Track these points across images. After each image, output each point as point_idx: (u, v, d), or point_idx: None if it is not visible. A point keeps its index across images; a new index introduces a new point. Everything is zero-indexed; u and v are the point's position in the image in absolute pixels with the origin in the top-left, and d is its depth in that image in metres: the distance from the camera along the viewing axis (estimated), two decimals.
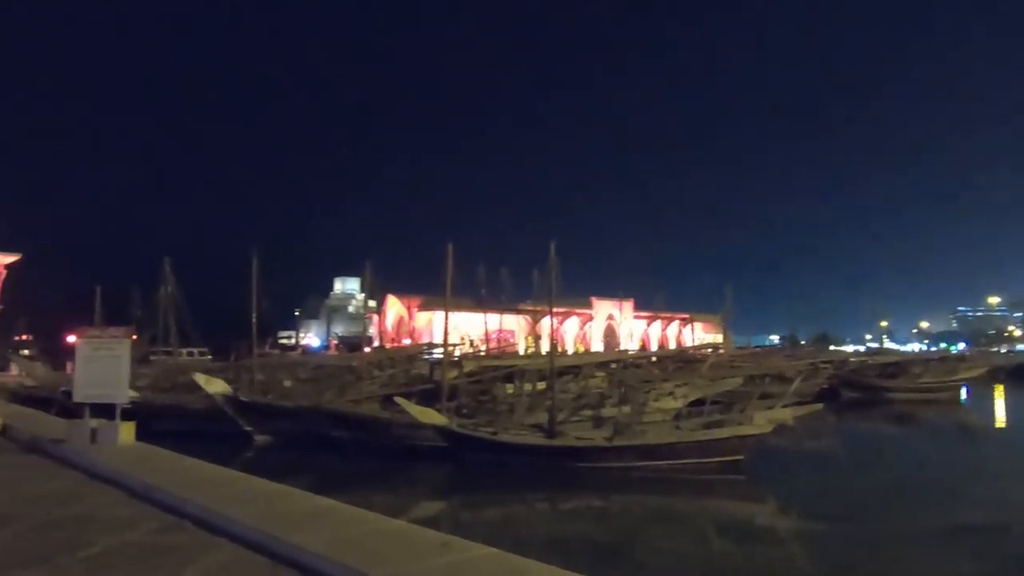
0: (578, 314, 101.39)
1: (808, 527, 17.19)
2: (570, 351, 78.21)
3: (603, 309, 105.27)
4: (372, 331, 69.21)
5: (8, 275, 54.72)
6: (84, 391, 15.34)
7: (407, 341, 78.73)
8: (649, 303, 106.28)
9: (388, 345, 73.79)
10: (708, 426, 23.69)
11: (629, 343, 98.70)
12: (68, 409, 24.19)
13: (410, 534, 7.68)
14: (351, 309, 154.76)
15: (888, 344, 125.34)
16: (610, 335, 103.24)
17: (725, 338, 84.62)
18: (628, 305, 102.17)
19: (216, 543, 7.90)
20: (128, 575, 6.92)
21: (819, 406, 28.02)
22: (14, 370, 50.01)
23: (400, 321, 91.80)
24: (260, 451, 26.71)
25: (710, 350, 54.60)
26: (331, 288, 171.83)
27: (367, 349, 44.57)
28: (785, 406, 25.11)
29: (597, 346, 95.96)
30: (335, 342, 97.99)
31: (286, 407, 28.75)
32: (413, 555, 6.70)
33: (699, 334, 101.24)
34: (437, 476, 23.12)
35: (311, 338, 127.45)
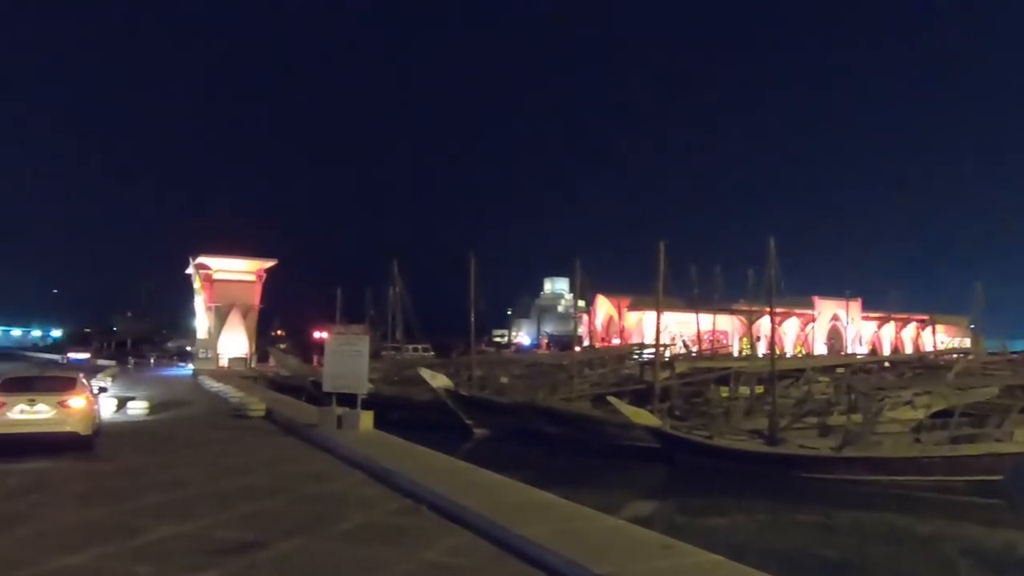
0: (798, 315, 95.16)
1: None
2: (789, 354, 73.75)
3: (827, 309, 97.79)
4: (582, 330, 70.09)
5: (267, 279, 62.61)
6: (332, 382, 17.16)
7: (616, 341, 78.77)
8: (880, 303, 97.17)
9: (598, 345, 74.26)
10: (956, 440, 21.16)
11: (857, 346, 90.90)
12: (315, 397, 27.20)
13: (632, 533, 7.71)
14: (560, 308, 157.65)
15: None
16: (835, 337, 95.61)
17: (975, 342, 75.08)
18: (855, 305, 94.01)
19: (450, 528, 8.47)
20: (377, 551, 7.64)
21: None
22: (271, 361, 57.09)
23: (610, 321, 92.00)
24: (478, 443, 28.11)
25: (957, 355, 48.82)
26: (541, 288, 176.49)
27: (577, 348, 45.24)
28: None
29: (820, 349, 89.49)
30: (545, 341, 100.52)
31: (503, 403, 30.01)
32: (635, 555, 6.71)
33: (941, 337, 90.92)
34: (649, 477, 22.92)
35: (522, 337, 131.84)
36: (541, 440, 26.27)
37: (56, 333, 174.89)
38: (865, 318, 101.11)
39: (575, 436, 26.11)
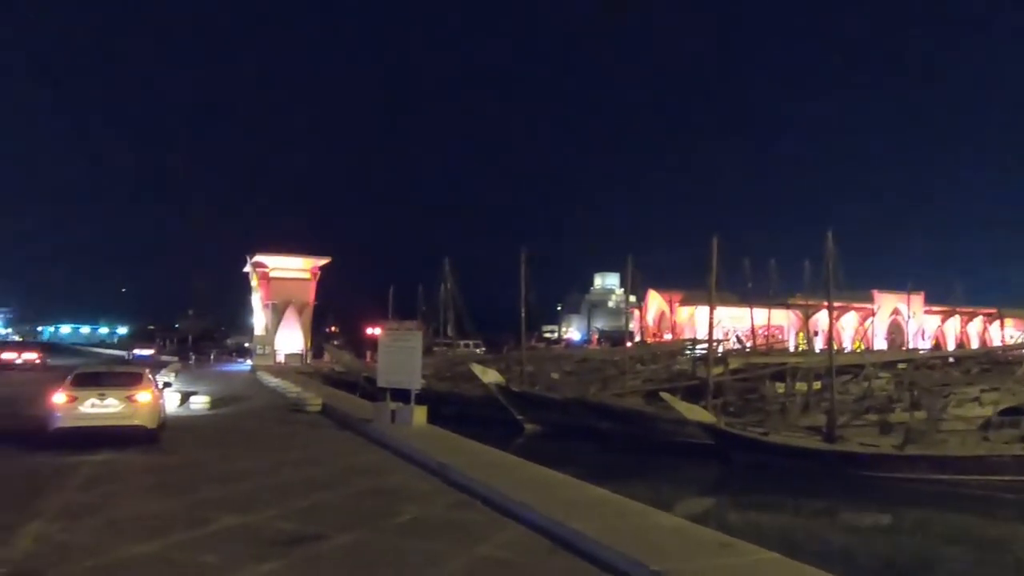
0: (857, 309, 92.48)
1: None
2: (848, 349, 71.90)
3: (887, 303, 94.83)
4: (633, 326, 69.51)
5: (321, 276, 63.82)
6: (386, 377, 17.42)
7: (668, 336, 77.92)
8: (944, 296, 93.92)
9: (649, 340, 73.57)
10: None
11: (919, 341, 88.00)
12: (369, 392, 27.64)
13: (687, 530, 7.64)
14: (611, 304, 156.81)
15: None
16: (895, 332, 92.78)
17: None
18: (917, 299, 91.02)
19: (504, 523, 8.53)
20: (433, 544, 7.74)
21: None
22: (326, 357, 58.18)
23: (661, 316, 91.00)
24: (529, 438, 28.15)
25: None
26: (591, 283, 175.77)
27: (628, 344, 44.94)
28: None
29: (880, 344, 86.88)
30: (596, 336, 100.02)
31: (554, 398, 30.00)
32: (692, 552, 6.66)
33: (1010, 332, 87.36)
34: (703, 474, 22.62)
35: (572, 332, 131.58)
36: (592, 436, 26.18)
37: (122, 330, 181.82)
38: (928, 312, 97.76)
39: (627, 432, 25.94)
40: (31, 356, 52.04)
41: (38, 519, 8.59)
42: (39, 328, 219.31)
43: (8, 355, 52.44)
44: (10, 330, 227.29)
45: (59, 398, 14.56)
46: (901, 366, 34.45)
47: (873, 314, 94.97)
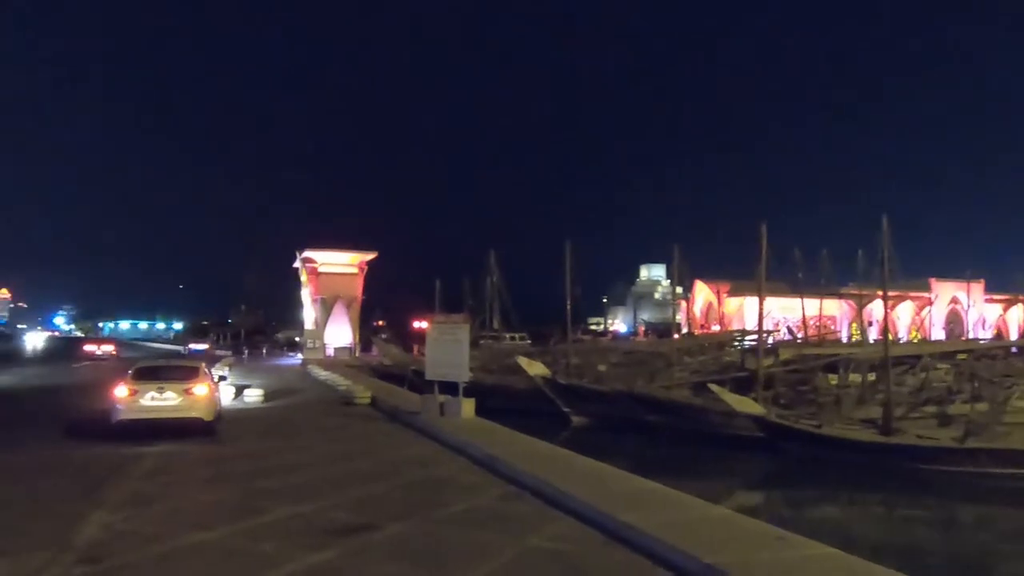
0: (913, 298, 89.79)
1: None
2: (903, 339, 69.90)
3: (945, 292, 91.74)
4: (680, 317, 68.75)
5: (368, 270, 64.64)
6: (434, 370, 17.55)
7: (716, 328, 76.84)
8: (1007, 284, 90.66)
9: (697, 332, 72.69)
10: None
11: (979, 331, 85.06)
12: (417, 385, 27.90)
13: (741, 523, 7.54)
14: (657, 295, 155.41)
15: None
16: (954, 321, 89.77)
17: None
18: (978, 287, 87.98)
19: (553, 515, 8.53)
20: (484, 535, 7.78)
21: None
22: (374, 350, 58.94)
23: (709, 307, 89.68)
24: (576, 431, 28.09)
25: None
26: (637, 275, 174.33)
27: (676, 336, 44.47)
28: None
29: (937, 334, 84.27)
30: (642, 328, 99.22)
31: (601, 390, 29.87)
32: (746, 546, 6.56)
33: None
34: (753, 467, 22.28)
35: (618, 324, 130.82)
36: (640, 429, 26.01)
37: (177, 326, 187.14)
38: (988, 300, 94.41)
39: (675, 424, 25.70)
40: (109, 348, 63.79)
41: (102, 508, 8.91)
42: (99, 324, 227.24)
43: (90, 347, 64.36)
44: (73, 326, 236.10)
45: (121, 392, 15.07)
46: (961, 356, 33.33)
47: (931, 303, 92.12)
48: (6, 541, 7.59)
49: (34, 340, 77.05)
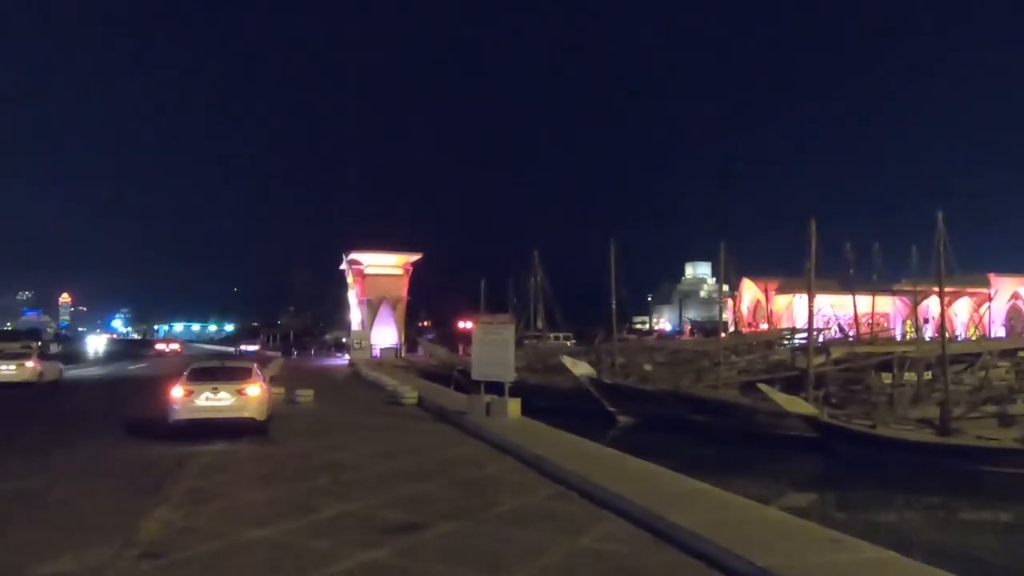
0: (971, 294, 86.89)
1: None
2: (961, 337, 67.76)
3: (1005, 287, 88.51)
4: (727, 316, 67.78)
5: (413, 272, 65.28)
6: (480, 370, 17.65)
7: (764, 326, 75.52)
8: None
9: (744, 330, 71.54)
10: None
11: None
12: (462, 385, 28.07)
13: (794, 525, 7.42)
14: (702, 294, 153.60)
15: None
16: (1015, 318, 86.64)
17: None
18: None
19: (602, 515, 8.52)
20: (534, 534, 7.81)
21: None
22: (420, 351, 59.47)
23: (756, 305, 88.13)
24: (622, 431, 27.89)
25: None
26: (682, 273, 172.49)
27: (722, 334, 43.82)
28: None
29: (997, 331, 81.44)
30: (688, 327, 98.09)
31: (647, 390, 29.61)
32: (800, 548, 6.45)
33: None
34: (805, 467, 21.84)
35: (663, 323, 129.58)
36: (687, 428, 25.71)
37: (228, 327, 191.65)
38: None
39: (723, 424, 25.35)
40: (175, 346, 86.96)
41: (162, 506, 9.20)
42: (155, 327, 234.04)
43: (160, 346, 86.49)
44: (129, 329, 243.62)
45: (177, 392, 15.50)
46: (1022, 354, 32.17)
47: (990, 299, 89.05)
48: (71, 537, 7.90)
49: (96, 343, 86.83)
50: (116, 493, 10.22)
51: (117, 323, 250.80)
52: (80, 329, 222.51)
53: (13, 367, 30.44)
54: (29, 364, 31.31)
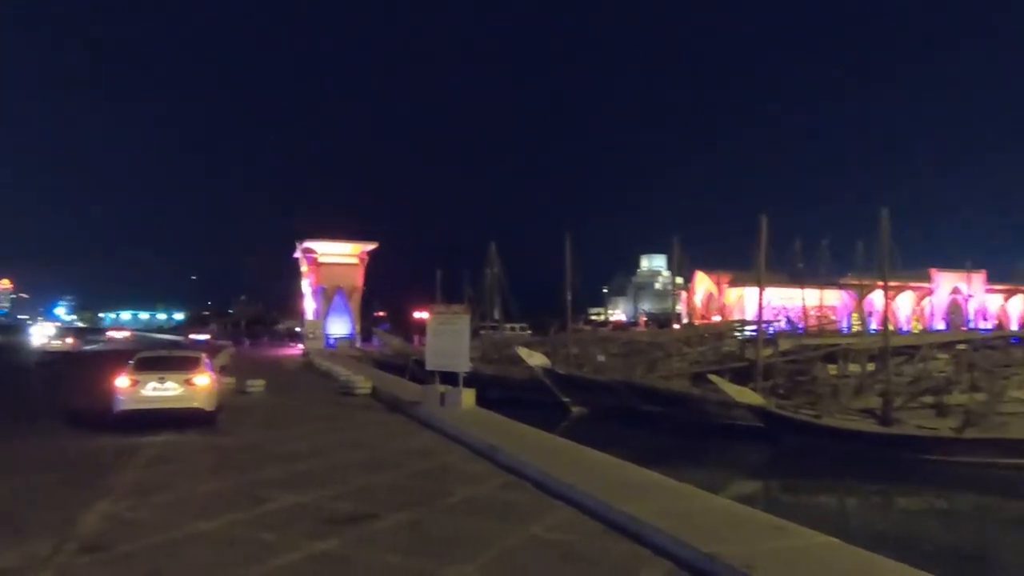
0: (913, 288, 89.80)
1: None
2: (904, 330, 69.95)
3: (945, 282, 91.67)
4: (680, 308, 68.81)
5: (369, 261, 64.66)
6: (434, 360, 17.58)
7: (717, 318, 76.91)
8: (1008, 274, 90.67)
9: (697, 322, 72.75)
10: None
11: (981, 321, 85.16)
12: (418, 375, 27.94)
13: (740, 513, 7.57)
14: (657, 286, 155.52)
15: None
16: (955, 312, 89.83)
17: None
18: (978, 277, 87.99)
19: (554, 504, 8.58)
20: (485, 524, 7.83)
21: None
22: (375, 341, 59.04)
23: (709, 297, 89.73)
24: (575, 421, 28.14)
25: None
26: (637, 265, 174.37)
27: (676, 326, 44.47)
28: None
29: (938, 324, 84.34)
30: (644, 319, 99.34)
31: (600, 381, 29.91)
32: (746, 536, 6.59)
33: None
34: (752, 457, 22.35)
35: (619, 314, 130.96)
36: (639, 419, 26.06)
37: (178, 316, 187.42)
38: (990, 291, 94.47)
39: (674, 415, 25.76)
40: (126, 334, 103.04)
41: (106, 498, 8.95)
42: (100, 315, 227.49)
43: (112, 333, 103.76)
44: (74, 317, 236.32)
45: (122, 382, 15.10)
46: (960, 347, 33.37)
47: (931, 293, 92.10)
48: (10, 531, 7.64)
49: (41, 332, 74.97)
50: (56, 486, 9.92)
51: (60, 311, 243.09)
52: (21, 317, 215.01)
53: None
54: None
